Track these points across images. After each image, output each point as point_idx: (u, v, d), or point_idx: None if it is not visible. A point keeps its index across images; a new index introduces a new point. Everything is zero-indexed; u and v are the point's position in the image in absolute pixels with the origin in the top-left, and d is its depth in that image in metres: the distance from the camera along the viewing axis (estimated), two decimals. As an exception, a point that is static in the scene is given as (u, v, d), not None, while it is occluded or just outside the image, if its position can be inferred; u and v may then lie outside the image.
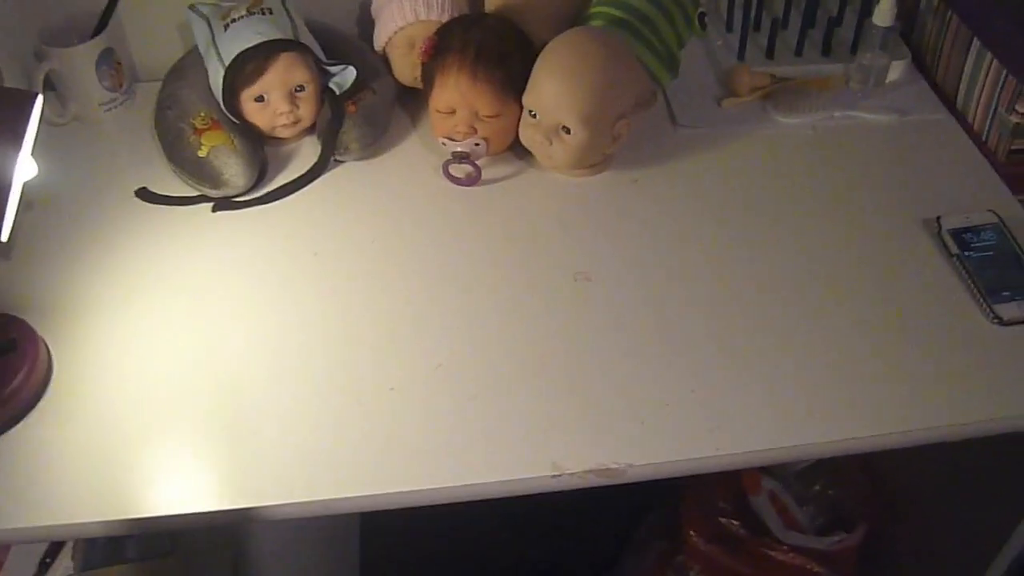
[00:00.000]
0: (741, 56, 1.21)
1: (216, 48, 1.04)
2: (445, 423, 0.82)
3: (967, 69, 1.12)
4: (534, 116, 1.02)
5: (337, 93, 1.09)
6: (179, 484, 0.78)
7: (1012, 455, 0.99)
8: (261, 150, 1.09)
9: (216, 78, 1.05)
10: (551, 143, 1.01)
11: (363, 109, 1.09)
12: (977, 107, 1.11)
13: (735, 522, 1.33)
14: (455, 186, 1.06)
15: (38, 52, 1.11)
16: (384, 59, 1.15)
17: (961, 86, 1.14)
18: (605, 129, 1.01)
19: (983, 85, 1.10)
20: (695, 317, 0.91)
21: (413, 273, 0.96)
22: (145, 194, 1.06)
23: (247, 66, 1.04)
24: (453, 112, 1.04)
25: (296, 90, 1.07)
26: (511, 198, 1.05)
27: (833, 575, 1.31)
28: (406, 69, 1.13)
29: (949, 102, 1.16)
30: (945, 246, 0.97)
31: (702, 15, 1.16)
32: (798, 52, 1.22)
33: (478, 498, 0.79)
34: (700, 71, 1.22)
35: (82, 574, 1.07)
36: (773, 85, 1.17)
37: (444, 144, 1.05)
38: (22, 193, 0.81)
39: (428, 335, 0.90)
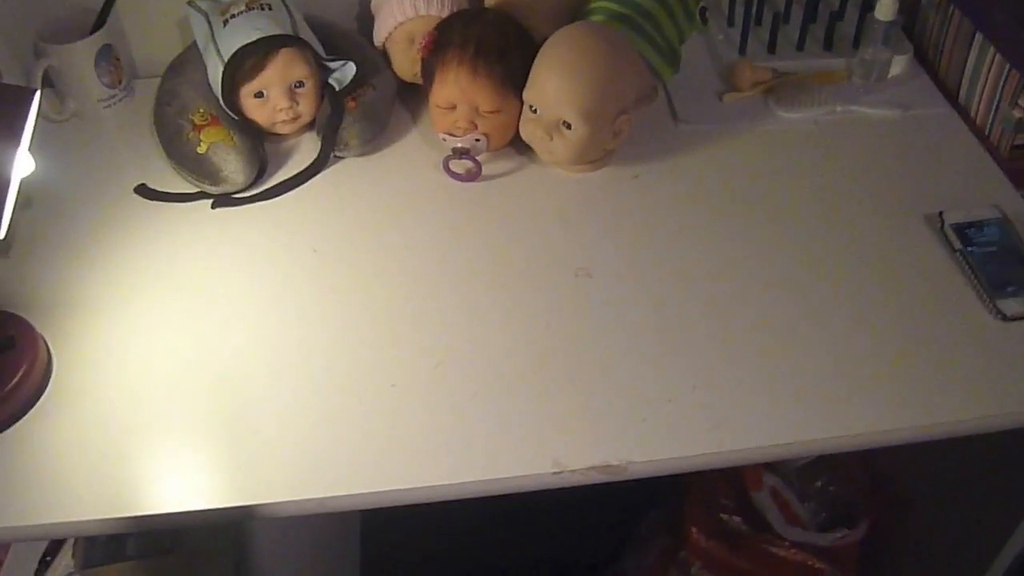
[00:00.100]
0: (742, 51, 1.21)
1: (215, 44, 1.04)
2: (446, 420, 0.82)
3: (970, 64, 1.12)
4: (535, 111, 1.01)
5: (337, 89, 1.08)
6: (179, 482, 0.78)
7: (1015, 451, 0.99)
8: (261, 146, 1.08)
9: (215, 74, 1.04)
10: (552, 139, 1.01)
11: (363, 105, 1.09)
12: (980, 102, 1.11)
13: (737, 518, 1.33)
14: (455, 182, 1.06)
15: (37, 48, 1.10)
16: (384, 55, 1.15)
17: (964, 81, 1.14)
18: (606, 124, 1.00)
19: (986, 80, 1.09)
20: (696, 313, 0.91)
21: (413, 270, 0.96)
22: (144, 191, 1.06)
23: (246, 62, 1.03)
24: (453, 108, 1.04)
25: (296, 86, 1.06)
26: (512, 194, 1.05)
27: (835, 571, 1.31)
28: (406, 65, 1.12)
29: (951, 97, 1.16)
30: (948, 241, 0.96)
31: (703, 10, 1.16)
32: (800, 47, 1.21)
33: (479, 496, 0.78)
34: (701, 66, 1.21)
35: (83, 572, 1.07)
36: (775, 80, 1.16)
37: (444, 140, 1.05)
38: (20, 190, 0.80)
39: (428, 332, 0.90)
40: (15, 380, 0.82)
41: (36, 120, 0.79)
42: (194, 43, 1.10)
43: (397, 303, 0.93)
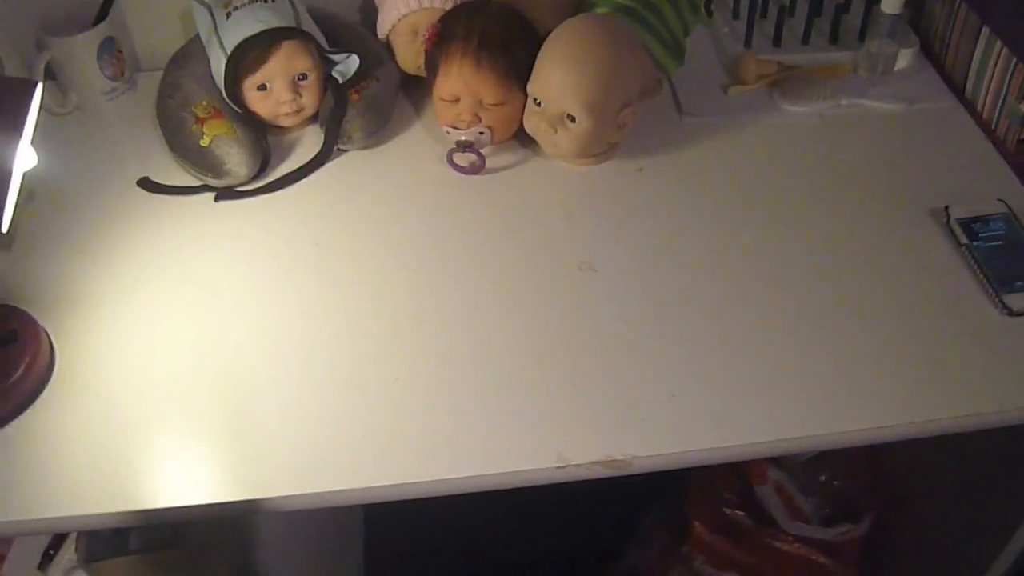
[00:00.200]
0: (748, 44, 1.20)
1: (218, 36, 1.04)
2: (449, 414, 0.82)
3: (976, 57, 1.11)
4: (539, 104, 1.01)
5: (340, 82, 1.08)
6: (182, 476, 0.78)
7: (1019, 448, 0.99)
8: (264, 139, 1.08)
9: (218, 67, 1.04)
10: (556, 131, 1.00)
11: (366, 98, 1.08)
12: (986, 96, 1.10)
13: (740, 512, 1.33)
14: (459, 175, 1.06)
15: (39, 41, 1.10)
16: (387, 47, 1.15)
17: (970, 74, 1.13)
18: (610, 117, 1.00)
19: (992, 73, 1.08)
20: (701, 307, 0.91)
21: (417, 263, 0.96)
22: (147, 184, 1.05)
23: (249, 54, 1.03)
24: (457, 100, 1.03)
25: (299, 78, 1.06)
26: (515, 187, 1.05)
27: (838, 566, 1.31)
28: (410, 57, 1.12)
29: (958, 90, 1.15)
30: (954, 236, 0.96)
31: (708, 2, 1.15)
32: (805, 40, 1.21)
33: (483, 490, 0.78)
34: (706, 59, 1.20)
35: (86, 566, 1.07)
36: (780, 73, 1.16)
37: (448, 133, 1.05)
38: (23, 183, 0.80)
39: (432, 326, 0.90)
40: (18, 374, 0.82)
41: (38, 113, 0.79)
42: (197, 35, 1.09)
43: (400, 296, 0.93)
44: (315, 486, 0.77)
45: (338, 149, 1.09)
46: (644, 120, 1.05)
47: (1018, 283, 0.90)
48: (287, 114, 1.07)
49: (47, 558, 1.07)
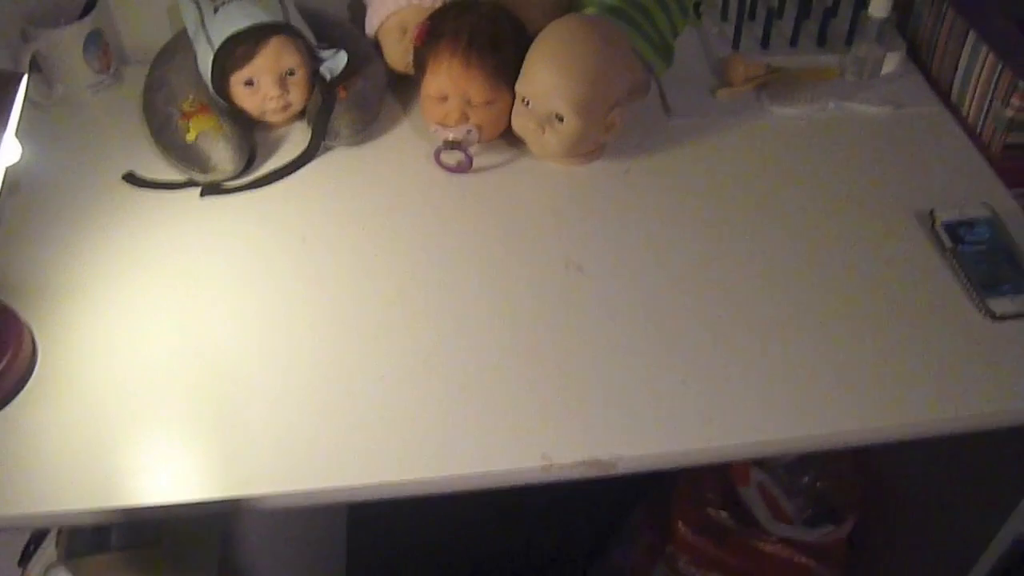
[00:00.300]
0: (736, 46, 1.20)
1: (205, 31, 1.03)
2: (435, 413, 0.82)
3: (963, 62, 1.12)
4: (527, 104, 1.01)
5: (328, 78, 1.07)
6: (165, 473, 0.77)
7: (1003, 449, 0.99)
8: (250, 135, 1.07)
9: (205, 61, 1.03)
10: (544, 131, 1.00)
11: (354, 95, 1.08)
12: (972, 100, 1.11)
13: (724, 513, 1.33)
14: (446, 174, 1.05)
15: (25, 33, 1.09)
16: (376, 44, 1.14)
17: (956, 79, 1.14)
18: (598, 118, 1.00)
19: (978, 78, 1.09)
20: (687, 308, 0.91)
21: (403, 261, 0.96)
22: (132, 178, 1.05)
23: (237, 50, 1.02)
24: (445, 99, 1.03)
25: (286, 75, 1.06)
26: (503, 186, 1.05)
27: (821, 567, 1.32)
28: (398, 54, 1.12)
29: (944, 95, 1.16)
30: (939, 239, 0.96)
31: (697, 3, 1.16)
32: (793, 42, 1.21)
33: (468, 490, 0.78)
34: (694, 60, 1.21)
35: (66, 563, 1.06)
36: (768, 75, 1.16)
37: (436, 131, 1.04)
38: (6, 176, 0.80)
39: (418, 324, 0.89)
40: (-1, 368, 0.81)
41: (23, 105, 0.78)
42: (184, 30, 1.09)
43: (386, 294, 0.92)
44: (299, 485, 0.77)
45: (325, 146, 1.08)
46: (632, 121, 1.06)
47: (1002, 287, 0.91)
48: (274, 110, 1.07)
49: (27, 554, 1.07)
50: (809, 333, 0.88)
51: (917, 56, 1.21)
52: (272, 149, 1.09)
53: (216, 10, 1.03)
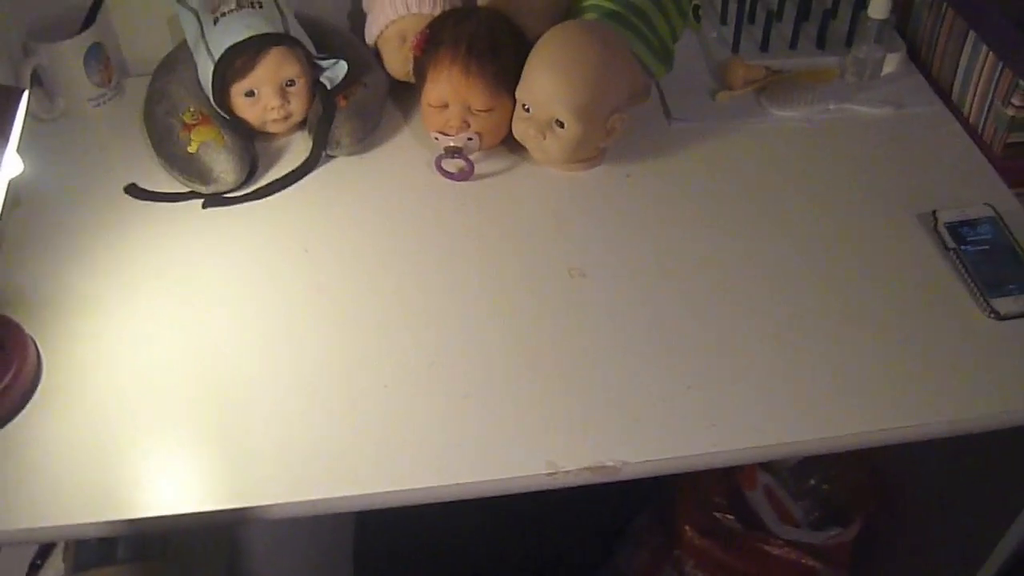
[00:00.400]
0: (735, 49, 1.20)
1: (205, 42, 1.03)
2: (439, 421, 0.82)
3: (963, 62, 1.12)
4: (527, 110, 1.01)
5: (328, 88, 1.08)
6: (171, 484, 0.77)
7: (1008, 450, 0.99)
8: (251, 145, 1.08)
9: (206, 73, 1.03)
10: (545, 137, 1.00)
11: (354, 103, 1.08)
12: (973, 100, 1.11)
13: (730, 516, 1.33)
14: (448, 181, 1.05)
15: (26, 47, 1.10)
16: (376, 53, 1.14)
17: (957, 79, 1.14)
18: (599, 123, 1.00)
19: (979, 78, 1.09)
20: (690, 313, 0.91)
21: (405, 269, 0.96)
22: (134, 191, 1.05)
23: (237, 60, 1.02)
24: (446, 106, 1.03)
25: (287, 84, 1.06)
26: (504, 193, 1.05)
27: (828, 570, 1.31)
28: (398, 63, 1.12)
29: (945, 95, 1.16)
30: (941, 240, 0.96)
31: (696, 8, 1.16)
32: (793, 45, 1.21)
33: (473, 497, 0.78)
34: (694, 64, 1.21)
35: (74, 575, 1.07)
36: (768, 78, 1.16)
37: (436, 139, 1.04)
38: (8, 190, 0.80)
39: (421, 332, 0.89)
40: (4, 382, 0.81)
41: (24, 120, 0.79)
42: (184, 41, 1.09)
43: (389, 303, 0.92)
44: (304, 494, 0.77)
45: (326, 155, 1.08)
46: (632, 126, 1.05)
47: (1005, 287, 0.91)
48: (275, 120, 1.07)
49: (34, 568, 1.07)
50: (813, 336, 0.88)
51: (917, 57, 1.21)
52: (273, 159, 1.09)
53: (216, 21, 1.03)
